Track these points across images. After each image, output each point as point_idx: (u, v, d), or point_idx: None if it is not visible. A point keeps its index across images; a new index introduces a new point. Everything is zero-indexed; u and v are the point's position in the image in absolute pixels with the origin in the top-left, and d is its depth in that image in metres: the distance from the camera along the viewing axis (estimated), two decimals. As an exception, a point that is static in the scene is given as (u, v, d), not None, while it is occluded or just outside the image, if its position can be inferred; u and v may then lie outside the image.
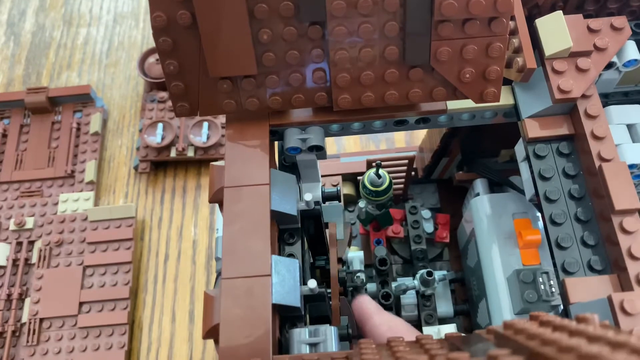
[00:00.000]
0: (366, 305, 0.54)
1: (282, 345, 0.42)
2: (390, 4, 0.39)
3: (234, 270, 0.41)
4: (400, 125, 0.49)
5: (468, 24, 0.40)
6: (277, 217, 0.46)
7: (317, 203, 0.49)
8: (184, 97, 0.45)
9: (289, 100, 0.46)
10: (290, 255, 0.47)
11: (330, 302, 0.49)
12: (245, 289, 0.41)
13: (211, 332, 0.41)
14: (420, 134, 0.81)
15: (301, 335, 0.41)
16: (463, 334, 0.37)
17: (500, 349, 0.23)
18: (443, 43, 0.41)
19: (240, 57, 0.42)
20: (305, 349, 0.40)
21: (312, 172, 0.53)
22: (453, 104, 0.47)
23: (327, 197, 0.55)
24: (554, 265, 0.42)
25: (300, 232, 0.49)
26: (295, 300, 0.42)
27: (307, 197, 0.48)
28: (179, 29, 0.41)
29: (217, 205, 0.99)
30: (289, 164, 0.52)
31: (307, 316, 0.48)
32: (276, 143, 0.53)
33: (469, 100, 0.45)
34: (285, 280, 0.43)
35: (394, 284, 0.64)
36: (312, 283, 0.45)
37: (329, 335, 0.40)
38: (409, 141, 0.99)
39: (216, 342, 0.42)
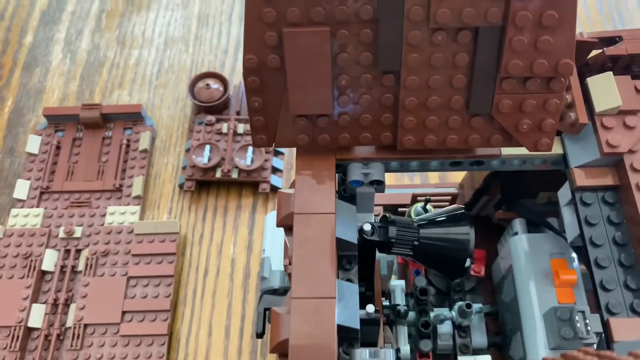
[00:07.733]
0: None
1: (339, 363, 0.46)
2: (461, 60, 0.44)
3: (303, 290, 0.45)
4: (456, 166, 0.53)
5: (530, 81, 0.44)
6: (339, 244, 0.50)
7: (372, 233, 0.54)
8: (263, 130, 0.49)
9: (357, 138, 0.50)
10: (349, 280, 0.51)
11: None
12: (312, 308, 0.44)
13: (278, 347, 0.45)
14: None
15: (362, 355, 0.44)
16: None
17: None
18: (505, 96, 0.45)
19: (319, 99, 0.47)
20: (366, 368, 0.43)
21: (368, 204, 0.57)
22: (507, 150, 0.51)
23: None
24: (598, 305, 0.45)
25: (356, 259, 0.53)
26: (355, 323, 0.46)
27: (367, 227, 0.52)
28: (267, 70, 0.46)
29: (255, 226, 1.02)
30: (347, 195, 0.56)
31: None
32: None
33: (522, 148, 0.49)
34: (347, 303, 0.46)
35: (431, 314, 0.67)
36: (370, 308, 0.49)
37: (388, 356, 0.44)
38: (442, 176, 1.03)
39: (282, 356, 0.46)
